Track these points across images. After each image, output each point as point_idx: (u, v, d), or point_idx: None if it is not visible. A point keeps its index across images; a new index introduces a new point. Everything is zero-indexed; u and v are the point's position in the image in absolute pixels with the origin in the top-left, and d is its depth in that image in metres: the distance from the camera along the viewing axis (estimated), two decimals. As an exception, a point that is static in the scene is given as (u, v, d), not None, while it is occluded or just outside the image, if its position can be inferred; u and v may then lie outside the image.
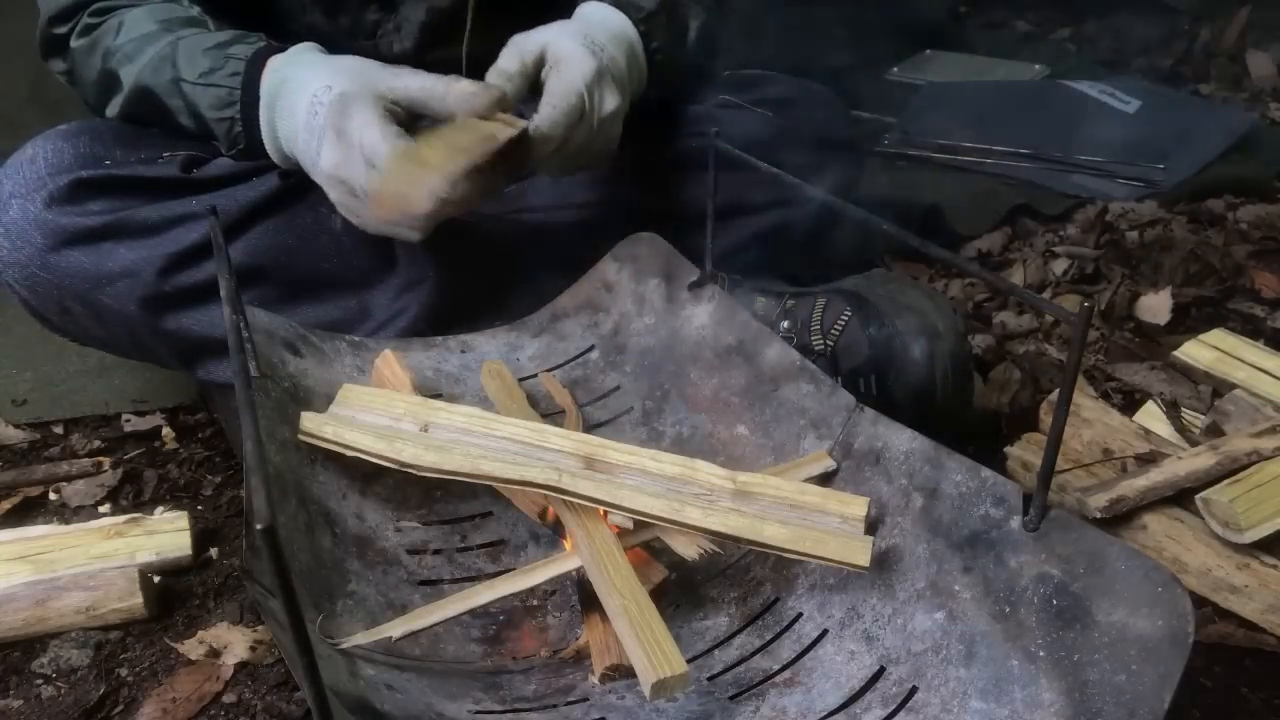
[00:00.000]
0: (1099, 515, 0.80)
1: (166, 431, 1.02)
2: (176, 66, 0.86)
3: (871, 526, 0.67)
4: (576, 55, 0.82)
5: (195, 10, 0.91)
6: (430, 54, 0.96)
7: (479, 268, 0.96)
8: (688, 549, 0.67)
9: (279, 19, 0.94)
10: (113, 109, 0.92)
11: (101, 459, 0.98)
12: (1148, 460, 0.87)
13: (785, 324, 0.94)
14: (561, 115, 0.81)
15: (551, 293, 0.96)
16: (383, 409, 0.74)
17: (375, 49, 0.95)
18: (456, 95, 0.78)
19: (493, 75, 0.82)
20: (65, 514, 0.92)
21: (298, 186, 0.90)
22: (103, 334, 0.91)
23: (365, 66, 0.81)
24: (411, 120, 0.80)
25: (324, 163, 0.79)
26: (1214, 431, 0.90)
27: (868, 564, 0.63)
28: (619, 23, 0.90)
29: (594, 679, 0.63)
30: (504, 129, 0.77)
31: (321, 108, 0.78)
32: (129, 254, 0.86)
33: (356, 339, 0.88)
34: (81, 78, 0.93)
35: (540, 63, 0.83)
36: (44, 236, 0.85)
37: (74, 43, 0.91)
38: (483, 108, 0.77)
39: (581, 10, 0.90)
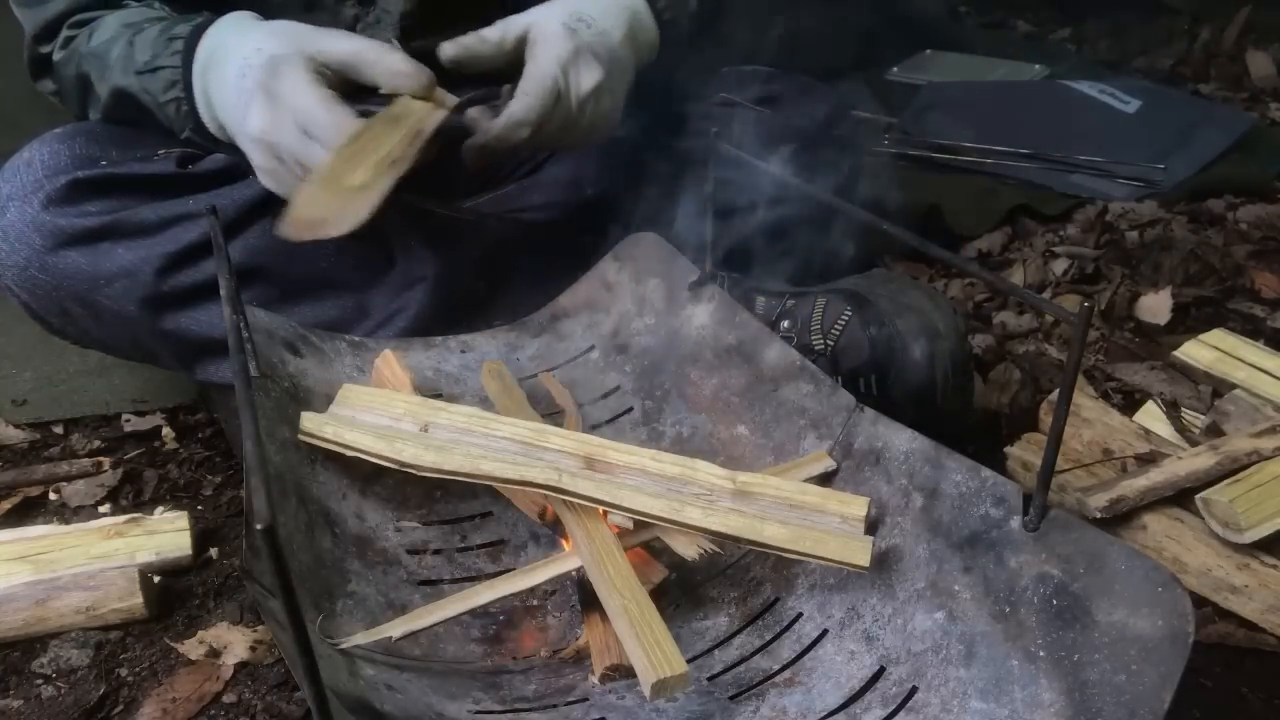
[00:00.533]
0: (1099, 515, 0.80)
1: (166, 431, 1.02)
2: (134, 60, 0.86)
3: (871, 526, 0.67)
4: (554, 36, 0.82)
5: (164, 11, 0.91)
6: (411, 44, 0.97)
7: (477, 267, 0.96)
8: (688, 549, 0.67)
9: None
10: (93, 113, 0.92)
11: (101, 459, 0.98)
12: (1148, 460, 0.87)
13: (785, 324, 0.94)
14: (535, 100, 0.81)
15: (551, 293, 0.96)
16: (383, 409, 0.74)
17: None
18: (386, 70, 0.78)
19: (471, 37, 0.83)
20: (65, 514, 0.92)
21: None
22: (102, 335, 0.91)
23: (296, 29, 0.81)
24: (342, 84, 0.79)
25: (251, 125, 0.78)
26: (1214, 431, 0.90)
27: (868, 564, 0.63)
28: None
29: (594, 679, 0.63)
30: (432, 114, 0.76)
31: (250, 70, 0.78)
32: (127, 254, 0.86)
33: (356, 339, 0.88)
34: (65, 90, 0.93)
35: (523, 41, 0.84)
36: (42, 238, 0.85)
37: (56, 56, 0.92)
38: (410, 91, 0.77)
39: None
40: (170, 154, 0.91)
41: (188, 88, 0.84)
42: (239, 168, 0.91)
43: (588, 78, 0.84)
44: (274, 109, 0.76)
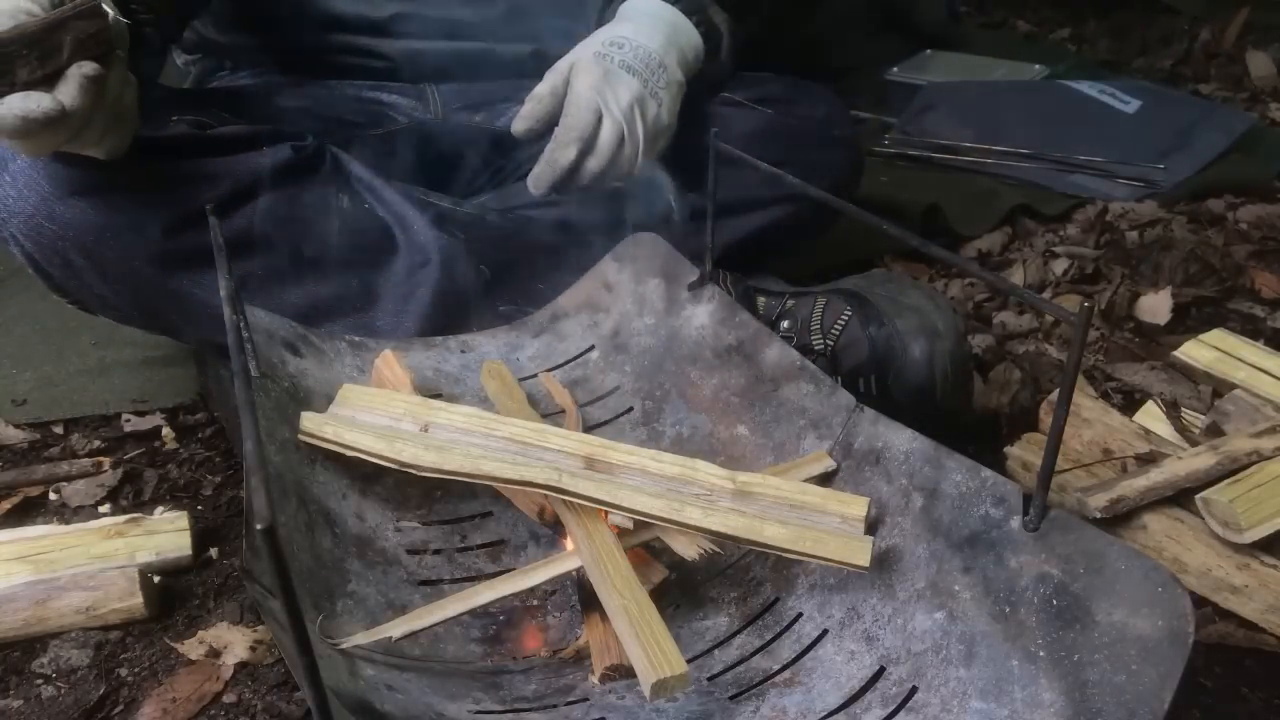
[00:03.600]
0: (1099, 515, 0.80)
1: (166, 431, 1.02)
2: None
3: (871, 526, 0.67)
4: (585, 66, 0.89)
5: None
6: None
7: (481, 251, 0.96)
8: (688, 549, 0.67)
9: None
10: None
11: (101, 459, 0.98)
12: (1148, 460, 0.87)
13: (785, 324, 0.94)
14: (572, 120, 0.87)
15: (551, 289, 0.95)
16: (383, 409, 0.74)
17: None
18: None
19: (529, 103, 0.90)
20: (65, 514, 0.92)
21: (311, 159, 0.91)
22: (105, 291, 0.89)
23: None
24: None
25: None
26: (1214, 431, 0.90)
27: (868, 564, 0.63)
28: (651, 7, 0.94)
29: (594, 679, 0.63)
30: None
31: None
32: (137, 208, 0.85)
33: (357, 339, 0.88)
34: None
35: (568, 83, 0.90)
36: (52, 184, 0.83)
37: None
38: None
39: (622, 10, 0.96)
40: (183, 119, 0.90)
41: None
42: (254, 136, 0.91)
43: (624, 90, 0.88)
44: None
